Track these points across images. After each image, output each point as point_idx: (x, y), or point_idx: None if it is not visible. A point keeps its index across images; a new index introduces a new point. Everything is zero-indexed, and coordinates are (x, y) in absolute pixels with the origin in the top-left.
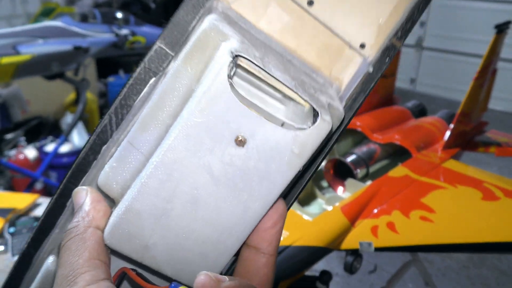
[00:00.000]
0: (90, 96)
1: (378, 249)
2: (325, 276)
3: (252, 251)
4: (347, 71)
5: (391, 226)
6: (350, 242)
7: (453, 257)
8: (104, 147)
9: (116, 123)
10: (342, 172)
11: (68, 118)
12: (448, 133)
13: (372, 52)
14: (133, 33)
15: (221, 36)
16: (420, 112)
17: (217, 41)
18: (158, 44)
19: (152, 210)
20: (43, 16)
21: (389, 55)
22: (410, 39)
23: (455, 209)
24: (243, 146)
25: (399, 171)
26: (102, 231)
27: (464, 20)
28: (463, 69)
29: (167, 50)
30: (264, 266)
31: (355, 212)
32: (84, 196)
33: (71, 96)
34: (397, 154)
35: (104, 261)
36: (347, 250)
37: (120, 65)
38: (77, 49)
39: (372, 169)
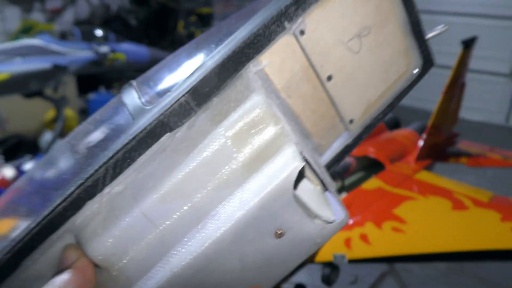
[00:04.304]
0: (70, 113)
1: (352, 261)
2: None
3: None
4: (331, 141)
5: (364, 237)
6: (324, 254)
7: (432, 266)
8: (89, 202)
9: (111, 177)
10: None
11: (47, 136)
12: (420, 145)
13: (356, 127)
14: (113, 50)
15: (272, 119)
16: (394, 124)
17: (269, 126)
18: (185, 98)
19: None
20: (22, 33)
21: (367, 132)
22: None
23: (425, 219)
24: (280, 238)
25: (373, 183)
26: None
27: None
28: (439, 81)
29: (193, 106)
30: None
31: None
32: (71, 258)
33: (51, 113)
34: (372, 166)
35: None
36: (324, 263)
37: (100, 81)
38: (56, 67)
39: (348, 181)
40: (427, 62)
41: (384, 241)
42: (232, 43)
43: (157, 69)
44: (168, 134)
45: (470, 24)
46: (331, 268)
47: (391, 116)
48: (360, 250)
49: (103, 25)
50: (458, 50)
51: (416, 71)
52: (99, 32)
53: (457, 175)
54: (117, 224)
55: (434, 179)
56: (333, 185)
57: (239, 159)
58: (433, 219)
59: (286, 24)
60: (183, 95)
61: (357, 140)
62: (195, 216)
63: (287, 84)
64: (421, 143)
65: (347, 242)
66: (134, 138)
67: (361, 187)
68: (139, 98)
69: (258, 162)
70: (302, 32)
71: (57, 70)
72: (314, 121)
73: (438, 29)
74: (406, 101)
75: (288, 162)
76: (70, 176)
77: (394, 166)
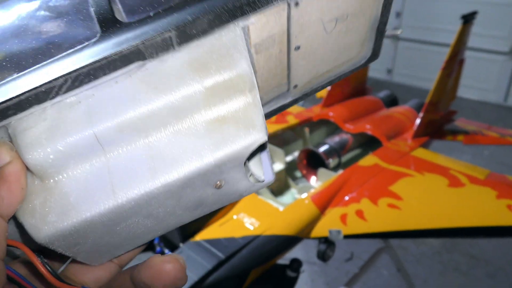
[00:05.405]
0: None
1: (347, 237)
2: (295, 263)
3: None
4: (271, 97)
5: (359, 213)
6: (320, 230)
7: (426, 243)
8: (36, 107)
9: (67, 88)
10: (315, 162)
11: None
12: (417, 122)
13: (296, 92)
14: None
15: (250, 85)
16: (392, 101)
17: (245, 92)
18: (171, 34)
19: (108, 221)
20: None
21: (303, 98)
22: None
23: (421, 196)
24: (218, 189)
25: (369, 160)
26: (9, 217)
27: (438, 10)
28: (438, 58)
29: (174, 43)
30: None
31: (325, 201)
32: (5, 159)
33: None
34: (369, 143)
35: (1, 257)
36: (320, 239)
37: None
38: None
39: (344, 158)
40: (374, 55)
41: (379, 217)
42: None
43: None
44: (140, 62)
45: (469, 1)
46: (327, 244)
47: (388, 93)
48: (356, 226)
49: None
50: (456, 27)
51: (363, 61)
52: None
53: (453, 154)
54: (64, 137)
55: (431, 156)
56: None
57: (206, 112)
58: (429, 196)
59: None
60: (170, 30)
61: (293, 103)
62: (148, 154)
63: (260, 42)
64: (418, 120)
65: (343, 218)
66: (105, 58)
67: (358, 163)
68: (110, 3)
69: (224, 122)
70: (296, 4)
71: None
72: (265, 78)
73: (394, 31)
74: (406, 80)
75: (253, 132)
76: (15, 68)
77: (391, 143)
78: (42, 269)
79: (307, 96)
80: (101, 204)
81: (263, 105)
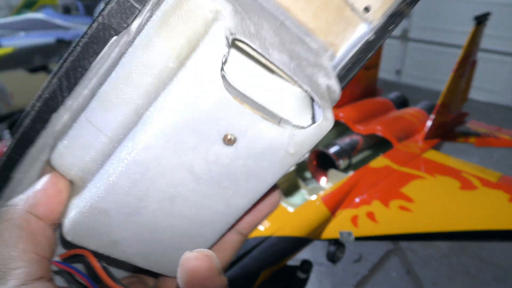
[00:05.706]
0: None
1: (358, 239)
2: (306, 265)
3: (232, 231)
4: (345, 37)
5: (370, 215)
6: (330, 232)
7: (435, 246)
8: (54, 115)
9: (68, 88)
10: (325, 163)
11: None
12: (428, 124)
13: (376, 17)
14: None
15: (210, 3)
16: (402, 103)
17: (205, 13)
18: None
19: (122, 208)
20: (25, 8)
21: (395, 22)
22: (395, 30)
23: (433, 199)
24: (231, 145)
25: (380, 161)
26: (51, 220)
27: (449, 11)
28: (448, 60)
29: (133, 2)
30: (236, 242)
31: (335, 203)
32: (47, 171)
33: None
34: (379, 144)
35: (43, 255)
36: (330, 240)
37: None
38: (60, 41)
39: (355, 160)
40: None
41: (391, 219)
42: None
43: None
44: (116, 37)
45: (480, 2)
46: (337, 246)
47: (398, 94)
48: (367, 228)
49: None
50: (466, 28)
51: None
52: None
53: (463, 156)
54: (69, 133)
55: (442, 159)
56: (319, 86)
57: (172, 55)
58: (440, 199)
59: None
60: None
61: (382, 33)
62: (133, 121)
63: None
64: (429, 122)
65: (354, 220)
66: (77, 44)
67: (369, 165)
68: None
69: (188, 55)
70: None
71: (61, 45)
72: (313, 14)
73: None
74: (415, 81)
75: (209, 48)
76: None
77: (402, 145)
78: (99, 270)
79: (398, 18)
80: (99, 186)
81: (339, 50)
